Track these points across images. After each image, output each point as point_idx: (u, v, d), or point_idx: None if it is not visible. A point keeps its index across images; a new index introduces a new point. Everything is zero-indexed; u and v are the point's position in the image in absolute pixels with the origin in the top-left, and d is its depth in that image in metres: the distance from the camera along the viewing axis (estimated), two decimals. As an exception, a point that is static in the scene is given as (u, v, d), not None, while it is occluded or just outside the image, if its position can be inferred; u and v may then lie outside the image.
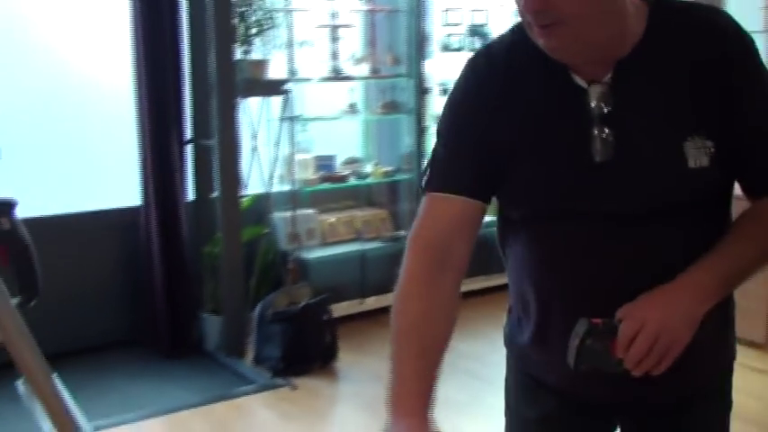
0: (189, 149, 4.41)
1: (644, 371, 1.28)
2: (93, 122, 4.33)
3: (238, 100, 4.28)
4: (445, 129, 1.44)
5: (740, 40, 1.34)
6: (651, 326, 1.26)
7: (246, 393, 3.90)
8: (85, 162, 4.32)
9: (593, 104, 1.33)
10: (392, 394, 1.31)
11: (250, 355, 4.22)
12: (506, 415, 1.66)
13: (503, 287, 5.50)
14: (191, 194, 4.44)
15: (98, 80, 4.34)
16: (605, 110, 1.33)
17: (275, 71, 4.46)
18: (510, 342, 1.60)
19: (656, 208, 1.33)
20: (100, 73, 4.34)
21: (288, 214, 4.56)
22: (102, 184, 4.38)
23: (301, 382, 4.00)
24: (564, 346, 1.31)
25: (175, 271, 4.30)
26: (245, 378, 4.06)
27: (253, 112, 4.48)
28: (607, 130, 1.32)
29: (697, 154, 1.30)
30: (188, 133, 4.38)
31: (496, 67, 1.40)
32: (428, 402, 1.32)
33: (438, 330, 1.36)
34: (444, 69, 5.03)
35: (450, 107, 1.44)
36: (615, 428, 1.59)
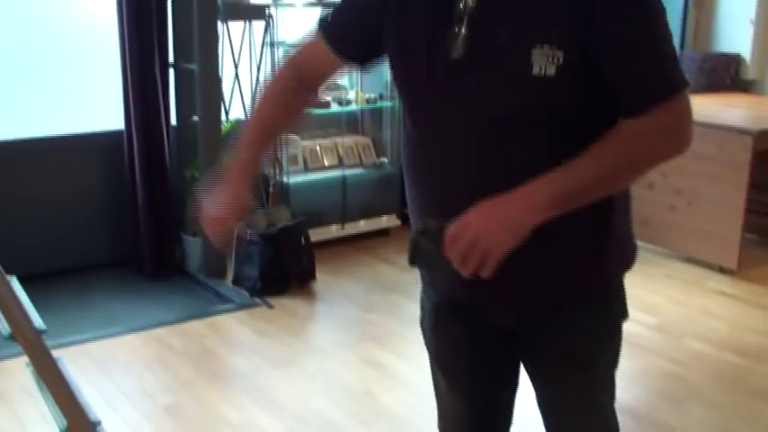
0: (171, 73, 4.44)
1: (470, 272, 1.35)
2: (78, 48, 4.36)
3: (221, 24, 4.31)
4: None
5: None
6: (472, 229, 1.33)
7: (224, 312, 4.02)
8: (70, 86, 4.36)
9: (460, 2, 1.37)
10: (238, 146, 1.68)
11: (230, 275, 4.33)
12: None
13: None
14: (173, 119, 4.49)
15: (81, 4, 4.35)
16: (469, 7, 1.36)
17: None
18: None
19: (508, 115, 1.36)
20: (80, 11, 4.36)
21: (269, 139, 4.61)
22: (86, 108, 4.43)
23: (278, 301, 4.12)
24: None
25: (158, 193, 4.38)
26: (225, 298, 4.18)
27: (235, 37, 4.50)
28: (464, 29, 1.35)
29: (543, 62, 1.31)
30: (170, 57, 4.40)
31: None
32: (260, 148, 1.74)
33: (280, 121, 1.73)
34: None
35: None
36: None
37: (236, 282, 4.27)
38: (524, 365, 1.69)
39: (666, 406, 3.23)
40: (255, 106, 1.72)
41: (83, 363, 3.42)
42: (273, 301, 4.12)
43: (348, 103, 5.01)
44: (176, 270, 4.47)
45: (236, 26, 4.51)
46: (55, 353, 1.76)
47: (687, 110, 1.41)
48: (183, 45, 4.39)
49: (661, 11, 1.36)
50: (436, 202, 1.48)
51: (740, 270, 4.52)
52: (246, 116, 4.50)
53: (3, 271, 1.76)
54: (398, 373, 3.47)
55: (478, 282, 1.38)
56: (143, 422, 3.06)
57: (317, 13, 4.78)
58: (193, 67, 4.29)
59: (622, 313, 1.63)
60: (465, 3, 1.36)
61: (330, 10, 1.65)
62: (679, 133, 1.42)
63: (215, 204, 1.64)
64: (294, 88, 1.68)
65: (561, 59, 1.31)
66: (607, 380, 1.66)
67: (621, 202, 1.54)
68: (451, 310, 1.66)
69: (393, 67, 1.52)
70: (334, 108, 4.93)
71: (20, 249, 4.08)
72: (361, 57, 1.62)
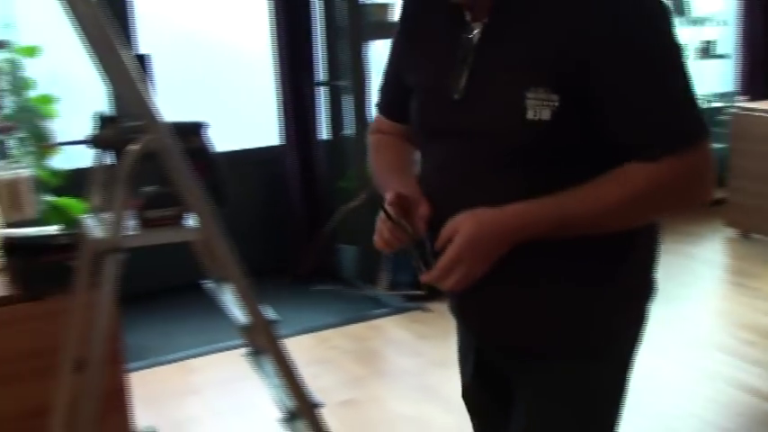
0: (321, 91, 4.69)
1: (432, 280, 1.33)
2: (236, 70, 4.68)
3: (366, 43, 4.53)
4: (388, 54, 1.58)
5: (623, 3, 1.25)
6: (456, 240, 1.29)
7: (382, 315, 4.21)
8: (231, 105, 4.68)
9: (466, 43, 1.36)
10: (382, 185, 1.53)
11: (384, 281, 4.52)
12: None
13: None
14: (324, 134, 4.74)
15: (239, 31, 4.67)
16: (473, 50, 1.35)
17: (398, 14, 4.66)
18: None
19: (504, 156, 1.32)
20: (239, 38, 4.68)
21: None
22: (246, 126, 4.73)
23: (433, 305, 4.28)
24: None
25: (313, 205, 4.63)
26: (380, 302, 4.37)
27: (378, 54, 4.72)
28: (467, 70, 1.35)
29: (538, 106, 1.26)
30: (320, 76, 4.66)
31: None
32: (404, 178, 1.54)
33: (404, 153, 1.60)
34: None
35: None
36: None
37: (391, 287, 4.46)
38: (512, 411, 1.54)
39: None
40: (374, 162, 1.65)
41: (260, 363, 3.67)
42: (429, 305, 4.28)
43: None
44: (332, 277, 4.70)
45: (379, 43, 4.73)
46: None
47: (703, 163, 1.29)
48: (333, 64, 4.63)
49: (673, 49, 1.27)
50: (433, 220, 1.40)
51: None
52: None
53: (242, 268, 1.98)
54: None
55: (466, 312, 1.44)
56: (325, 415, 3.26)
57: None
58: (344, 84, 4.52)
59: (625, 368, 1.46)
60: (471, 44, 1.35)
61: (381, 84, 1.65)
62: (691, 187, 1.31)
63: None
64: (396, 139, 1.63)
65: (557, 103, 1.26)
66: None
67: (643, 239, 1.42)
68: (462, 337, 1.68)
69: (413, 110, 1.50)
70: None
71: (188, 257, 4.36)
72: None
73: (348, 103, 4.54)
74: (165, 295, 4.46)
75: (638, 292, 1.46)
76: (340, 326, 4.10)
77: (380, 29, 4.62)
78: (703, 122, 1.29)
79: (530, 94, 1.26)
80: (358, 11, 4.42)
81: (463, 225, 1.29)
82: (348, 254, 4.64)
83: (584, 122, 1.28)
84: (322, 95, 4.70)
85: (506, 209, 1.30)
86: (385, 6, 4.63)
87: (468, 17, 1.36)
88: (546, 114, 1.26)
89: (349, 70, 4.48)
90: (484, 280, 1.33)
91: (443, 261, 1.30)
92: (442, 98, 1.39)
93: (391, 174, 1.54)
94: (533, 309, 1.40)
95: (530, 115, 1.27)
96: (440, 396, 3.36)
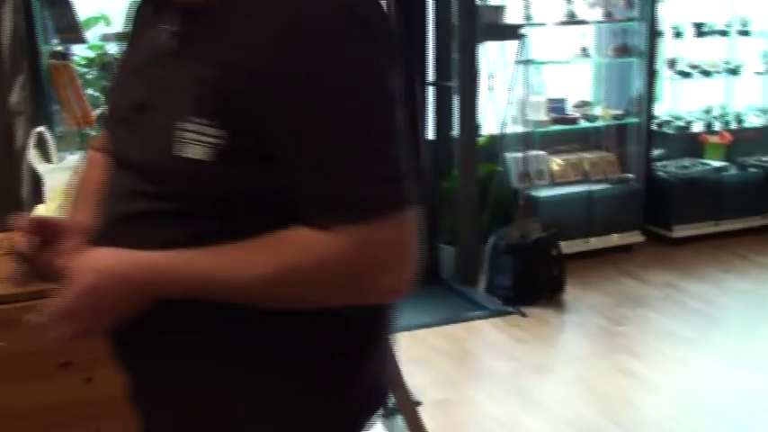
0: (430, 91, 4.73)
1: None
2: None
3: (477, 44, 4.55)
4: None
5: (320, 23, 0.99)
6: (71, 288, 1.06)
7: (479, 317, 4.24)
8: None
9: (147, 51, 1.14)
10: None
11: (482, 283, 4.54)
12: None
13: (733, 233, 5.55)
14: (431, 133, 4.78)
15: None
16: (156, 61, 1.12)
17: (512, 16, 4.67)
18: None
19: (153, 194, 1.07)
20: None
21: (520, 154, 4.81)
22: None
23: (530, 310, 4.27)
24: None
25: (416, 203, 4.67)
26: (477, 304, 4.39)
27: (490, 56, 4.73)
28: (144, 85, 1.12)
29: (195, 142, 1.01)
30: (430, 76, 4.70)
31: None
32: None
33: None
34: (677, 12, 5.04)
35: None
36: None
37: (488, 289, 4.47)
38: None
39: None
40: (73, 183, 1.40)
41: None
42: (525, 309, 4.28)
43: (595, 119, 5.11)
44: (430, 276, 4.74)
45: (491, 44, 4.74)
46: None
47: (390, 244, 1.02)
48: (442, 64, 4.67)
49: (378, 101, 1.02)
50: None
51: None
52: (500, 131, 4.72)
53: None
54: (656, 385, 3.52)
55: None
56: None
57: (567, 31, 4.93)
58: (452, 85, 4.55)
59: None
60: (158, 50, 1.11)
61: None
62: (366, 274, 1.03)
63: None
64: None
65: (223, 141, 1.01)
66: None
67: (349, 334, 1.13)
68: None
69: None
70: (581, 124, 5.04)
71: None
72: None
73: (458, 105, 4.56)
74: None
75: (342, 403, 1.13)
76: (436, 326, 4.14)
77: (494, 30, 4.63)
78: (399, 195, 1.02)
79: (188, 126, 1.02)
80: (472, 11, 4.44)
81: (82, 270, 1.05)
82: (447, 254, 4.67)
83: (258, 170, 1.02)
84: (430, 95, 4.75)
85: (140, 257, 1.05)
86: (499, 8, 4.64)
87: (167, 20, 1.11)
88: (204, 153, 1.01)
89: (458, 71, 4.50)
90: (135, 334, 1.09)
91: (50, 309, 1.06)
92: (116, 116, 1.18)
93: (78, 197, 1.30)
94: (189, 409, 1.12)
95: (184, 152, 1.02)
96: (533, 401, 3.37)
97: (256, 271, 1.02)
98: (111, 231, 1.11)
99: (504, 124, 4.78)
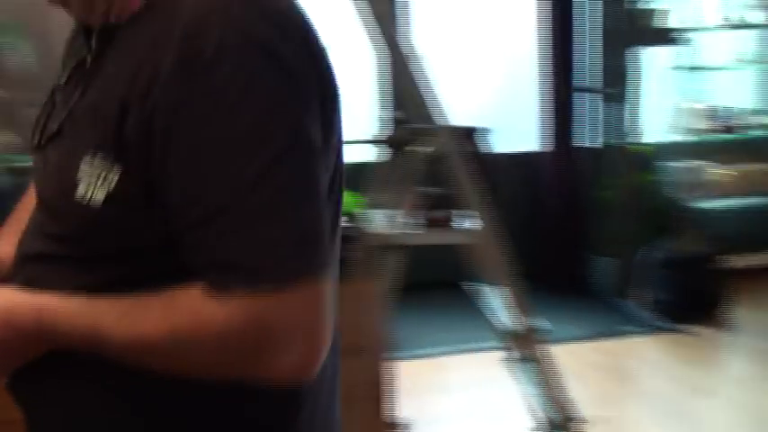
0: (583, 98, 4.61)
1: None
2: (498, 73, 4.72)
3: (631, 49, 4.38)
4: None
5: (211, 48, 0.84)
6: None
7: (636, 333, 4.06)
8: (497, 111, 4.72)
9: (61, 79, 1.03)
10: None
11: (636, 296, 4.36)
12: None
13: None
14: (586, 140, 4.65)
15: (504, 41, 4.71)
16: (60, 86, 1.02)
17: (668, 20, 4.48)
18: None
19: (56, 236, 0.97)
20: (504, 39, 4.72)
21: (678, 164, 4.59)
22: (511, 131, 4.76)
23: (690, 328, 4.06)
24: None
25: (569, 214, 4.56)
26: (632, 318, 4.21)
27: (644, 61, 4.55)
28: (58, 110, 1.01)
29: (92, 182, 0.90)
30: (581, 82, 4.58)
31: None
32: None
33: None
34: None
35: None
36: None
37: (644, 304, 4.28)
38: None
39: None
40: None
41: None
42: (685, 326, 4.07)
43: (761, 128, 4.82)
44: (581, 287, 4.60)
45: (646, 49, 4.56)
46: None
47: (296, 320, 0.86)
48: (597, 69, 4.53)
49: (284, 146, 0.85)
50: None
51: None
52: (661, 139, 4.54)
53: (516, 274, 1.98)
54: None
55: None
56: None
57: (731, 36, 4.68)
58: (611, 91, 4.41)
59: None
60: (62, 80, 1.03)
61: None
62: (264, 352, 0.87)
63: None
64: None
65: (116, 183, 0.89)
66: None
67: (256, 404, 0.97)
68: None
69: None
70: (745, 133, 4.78)
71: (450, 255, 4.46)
72: None
73: (614, 112, 4.42)
74: (420, 291, 4.57)
75: None
76: (589, 340, 3.99)
77: (653, 35, 4.45)
78: (308, 264, 0.86)
79: (84, 165, 0.90)
80: (630, 15, 4.28)
81: None
82: (603, 266, 4.51)
83: (152, 218, 0.90)
84: (586, 102, 4.62)
85: (33, 301, 0.95)
86: (660, 12, 4.45)
87: (87, 44, 1.00)
88: (101, 195, 0.89)
89: (613, 76, 4.35)
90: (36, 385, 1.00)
91: None
92: (35, 144, 1.05)
93: (7, 227, 1.20)
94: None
95: (80, 193, 0.90)
96: (698, 425, 3.18)
97: (136, 330, 0.90)
98: (22, 270, 1.02)
99: (660, 132, 4.59)
